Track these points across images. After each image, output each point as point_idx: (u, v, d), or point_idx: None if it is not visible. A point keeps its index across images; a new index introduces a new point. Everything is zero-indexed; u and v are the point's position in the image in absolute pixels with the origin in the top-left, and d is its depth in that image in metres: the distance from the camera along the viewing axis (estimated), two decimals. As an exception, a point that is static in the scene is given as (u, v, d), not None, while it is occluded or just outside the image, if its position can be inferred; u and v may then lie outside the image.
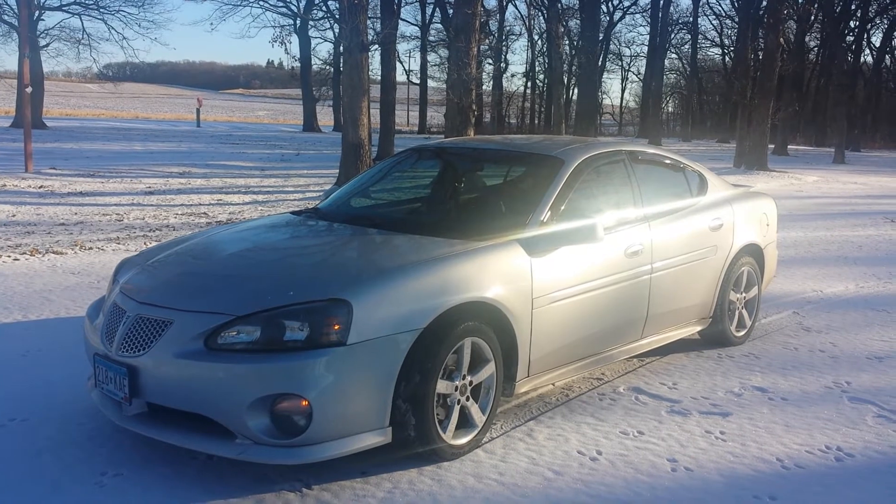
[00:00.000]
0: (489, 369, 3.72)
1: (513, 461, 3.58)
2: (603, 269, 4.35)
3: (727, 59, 54.42)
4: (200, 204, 12.56)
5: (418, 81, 45.81)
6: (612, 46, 55.96)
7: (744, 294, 5.65)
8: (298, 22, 38.34)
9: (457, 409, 3.59)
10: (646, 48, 47.88)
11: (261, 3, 36.31)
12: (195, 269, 3.84)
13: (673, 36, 50.33)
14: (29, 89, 16.43)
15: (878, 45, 51.12)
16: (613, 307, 4.46)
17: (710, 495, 3.33)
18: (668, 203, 5.05)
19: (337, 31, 32.00)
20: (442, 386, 3.48)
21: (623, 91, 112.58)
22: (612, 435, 3.92)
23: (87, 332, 3.81)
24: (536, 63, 52.85)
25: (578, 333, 4.24)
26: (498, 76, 49.57)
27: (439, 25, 39.09)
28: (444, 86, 20.38)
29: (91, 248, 8.44)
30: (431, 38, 40.64)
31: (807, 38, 44.72)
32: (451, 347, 3.49)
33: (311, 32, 39.54)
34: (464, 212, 4.89)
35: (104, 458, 3.48)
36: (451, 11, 20.69)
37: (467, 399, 3.64)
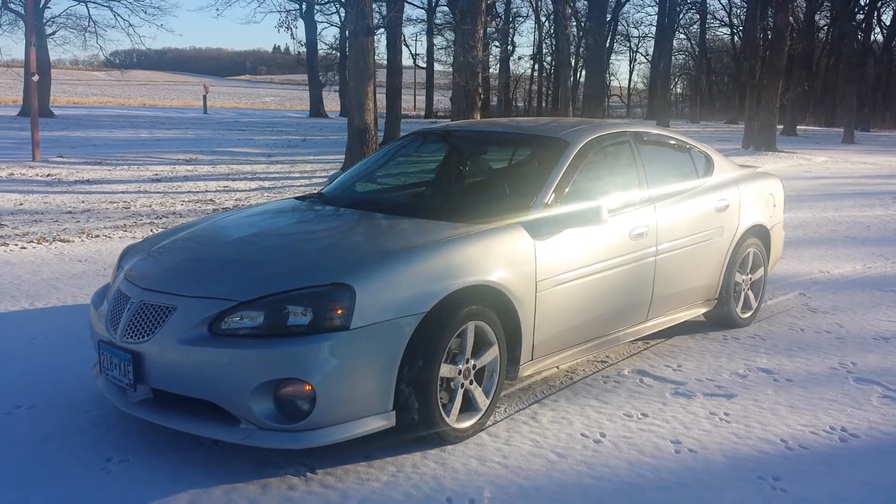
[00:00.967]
0: (493, 353, 3.73)
1: (516, 444, 3.59)
2: (607, 252, 4.34)
3: (736, 38, 53.96)
4: (207, 191, 12.57)
5: (425, 65, 45.64)
6: (619, 27, 55.74)
7: (750, 275, 5.63)
8: (304, 6, 38.19)
9: (460, 392, 3.59)
10: (654, 29, 47.64)
11: (266, -13, 36.10)
12: (199, 255, 3.85)
13: (681, 16, 49.93)
14: (35, 77, 16.45)
15: (888, 23, 50.64)
16: (618, 290, 4.45)
17: (714, 476, 3.33)
18: (673, 184, 5.03)
19: (343, 15, 31.88)
20: (445, 370, 3.48)
21: (631, 72, 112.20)
22: (615, 417, 3.92)
23: (91, 318, 3.83)
24: (544, 45, 52.61)
25: (582, 316, 4.24)
26: (505, 59, 49.31)
27: (445, 8, 38.88)
28: (451, 69, 20.29)
29: (98, 236, 8.47)
30: (438, 21, 40.44)
31: (816, 17, 44.42)
32: (455, 331, 3.49)
33: (317, 17, 39.38)
34: (468, 195, 4.87)
35: (110, 444, 3.50)
36: (456, -6, 20.56)
37: (471, 382, 3.64)
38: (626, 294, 4.53)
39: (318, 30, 39.66)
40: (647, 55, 59.01)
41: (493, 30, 39.98)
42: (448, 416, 3.51)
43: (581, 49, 44.48)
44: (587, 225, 4.09)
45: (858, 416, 4.01)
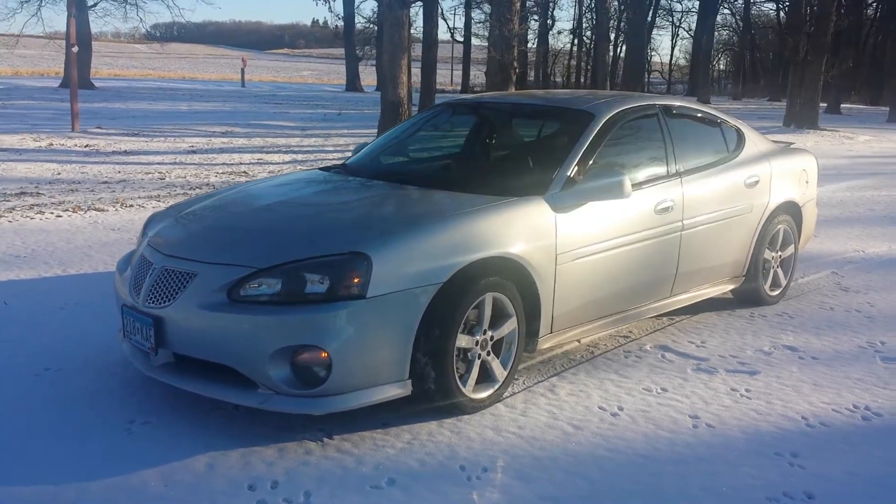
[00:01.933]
0: (511, 325, 3.72)
1: (533, 415, 3.60)
2: (631, 226, 4.30)
3: (782, 14, 52.81)
4: (241, 163, 12.68)
5: (462, 39, 45.34)
6: (662, 2, 54.77)
7: (779, 253, 5.54)
8: (342, -21, 38.14)
9: (477, 363, 3.60)
10: (697, 3, 46.76)
11: (304, -40, 36.03)
12: (220, 223, 3.89)
13: (725, -10, 48.94)
14: (75, 49, 16.67)
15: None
16: (641, 264, 4.41)
17: (731, 451, 3.32)
18: (701, 158, 4.96)
19: (380, -12, 31.74)
20: (463, 340, 3.49)
21: (673, 48, 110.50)
22: (634, 391, 3.91)
23: (116, 284, 3.89)
24: (584, 19, 52.01)
25: (604, 290, 4.21)
26: (544, 33, 48.91)
27: (484, -19, 38.51)
28: (487, 43, 20.16)
29: (132, 206, 8.59)
30: (476, -5, 40.06)
31: (864, -8, 43.22)
32: (472, 302, 3.49)
33: (355, -10, 39.28)
34: (492, 167, 4.86)
35: (134, 406, 3.58)
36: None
37: (488, 354, 3.65)
38: (650, 269, 4.49)
39: (356, 3, 39.55)
40: (690, 30, 57.97)
41: (532, 2, 39.57)
42: (464, 387, 3.53)
43: (622, 23, 43.89)
44: (609, 198, 4.05)
45: (883, 395, 3.96)
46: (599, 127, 4.39)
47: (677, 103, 5.15)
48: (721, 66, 72.21)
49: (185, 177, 11.00)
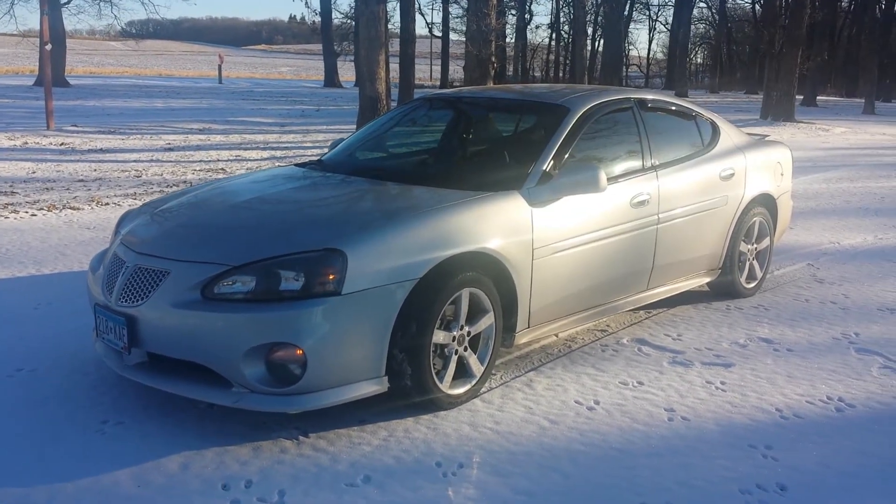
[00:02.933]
0: (488, 320, 3.72)
1: (510, 410, 3.60)
2: (607, 219, 4.31)
3: (757, 7, 53.11)
4: (219, 160, 12.58)
5: (440, 34, 45.27)
6: (638, -4, 54.92)
7: (755, 245, 5.58)
8: (319, -25, 37.97)
9: (454, 359, 3.60)
10: (673, -3, 46.91)
11: (281, -44, 35.83)
12: (194, 220, 3.85)
13: (701, -16, 49.16)
14: (49, 47, 16.46)
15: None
16: (618, 258, 4.42)
17: (705, 444, 3.33)
18: (677, 152, 4.98)
19: (357, -17, 31.60)
20: (439, 336, 3.49)
21: (650, 42, 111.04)
22: (611, 385, 3.92)
23: (89, 283, 3.85)
24: (561, 14, 52.08)
25: (581, 284, 4.22)
26: (522, 28, 48.88)
27: (461, -24, 38.46)
28: (465, 38, 20.13)
29: (108, 204, 8.51)
30: (454, -10, 40.02)
31: (839, -15, 43.59)
32: (448, 298, 3.48)
33: (332, -15, 39.11)
34: (467, 162, 4.85)
35: (107, 406, 3.54)
36: (470, -38, 20.33)
37: (465, 349, 3.64)
38: (627, 262, 4.50)
39: (333, -2, 39.39)
40: (667, 24, 58.14)
41: (510, -2, 39.54)
42: (441, 383, 3.52)
43: (599, 18, 43.99)
44: (585, 192, 4.05)
45: (857, 387, 3.99)
46: (574, 121, 4.39)
47: (652, 97, 5.16)
48: (698, 60, 72.58)
49: (161, 174, 10.91)
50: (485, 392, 3.78)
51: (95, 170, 11.13)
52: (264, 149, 14.22)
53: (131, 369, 3.46)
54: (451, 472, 3.05)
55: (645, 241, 4.58)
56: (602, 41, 41.90)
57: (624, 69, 46.09)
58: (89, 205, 8.41)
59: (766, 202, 5.63)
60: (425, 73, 55.78)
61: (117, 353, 3.53)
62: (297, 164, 4.96)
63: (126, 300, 3.40)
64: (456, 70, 44.17)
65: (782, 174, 5.86)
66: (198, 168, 11.60)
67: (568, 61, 51.35)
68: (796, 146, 15.18)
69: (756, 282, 5.61)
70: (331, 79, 41.08)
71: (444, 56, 45.92)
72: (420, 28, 34.35)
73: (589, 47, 44.35)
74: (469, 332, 3.65)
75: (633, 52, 66.19)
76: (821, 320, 5.03)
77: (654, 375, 4.06)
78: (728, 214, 5.23)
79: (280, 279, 3.23)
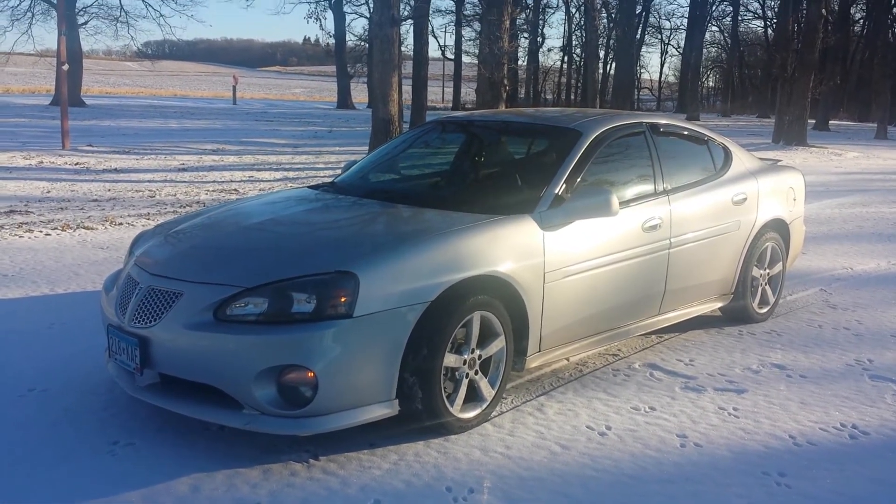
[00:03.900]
0: (499, 343, 3.72)
1: (521, 435, 3.58)
2: (618, 244, 4.30)
3: (769, 31, 53.19)
4: (232, 181, 12.66)
5: (453, 57, 45.55)
6: (651, 19, 55.21)
7: (767, 270, 5.56)
8: (333, -3, 38.28)
9: (465, 382, 3.59)
10: (685, 21, 47.11)
11: (295, -22, 36.19)
12: (207, 242, 3.88)
13: (714, 7, 49.28)
14: (66, 67, 16.65)
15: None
16: (629, 282, 4.41)
17: (717, 471, 3.31)
18: (689, 176, 4.98)
19: (371, 5, 31.86)
20: (450, 359, 3.48)
21: (662, 65, 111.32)
22: (623, 410, 3.90)
23: (102, 303, 3.87)
24: (573, 37, 52.33)
25: (592, 309, 4.21)
26: (534, 50, 49.16)
27: None
28: (477, 61, 20.25)
29: (121, 224, 8.57)
30: (467, 12, 40.30)
31: (852, 10, 43.64)
32: (460, 321, 3.48)
33: (346, 8, 39.36)
34: (480, 185, 4.86)
35: (118, 427, 3.55)
36: (483, -15, 20.51)
37: (476, 373, 3.64)
38: (638, 287, 4.49)
39: (347, 21, 39.77)
40: (679, 47, 58.33)
41: (522, 21, 39.80)
42: (452, 406, 3.51)
43: (611, 41, 44.19)
44: (597, 216, 4.05)
45: (871, 414, 3.96)
46: (587, 145, 4.41)
47: (664, 121, 5.17)
48: (710, 83, 72.74)
49: (175, 194, 10.98)
50: (495, 416, 3.76)
51: (110, 190, 11.21)
52: (277, 170, 14.30)
53: (143, 390, 3.47)
54: (461, 497, 3.03)
55: (657, 266, 4.57)
56: (614, 64, 42.04)
57: (636, 92, 46.19)
58: (103, 224, 8.47)
59: (779, 227, 5.62)
60: (438, 94, 56.08)
61: (129, 374, 3.55)
62: (309, 187, 4.99)
63: (139, 321, 3.41)
64: (468, 92, 44.41)
65: (795, 199, 5.85)
66: (211, 188, 11.67)
67: (580, 84, 51.53)
68: (809, 171, 15.15)
69: (769, 307, 5.59)
70: (344, 100, 41.33)
71: (457, 78, 46.23)
72: (433, 50, 34.63)
73: (601, 70, 44.54)
74: (480, 356, 3.65)
75: (645, 76, 66.39)
76: (834, 346, 5.00)
77: (666, 401, 4.03)
78: (740, 239, 5.21)
79: (292, 301, 3.24)
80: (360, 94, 44.44)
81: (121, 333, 3.48)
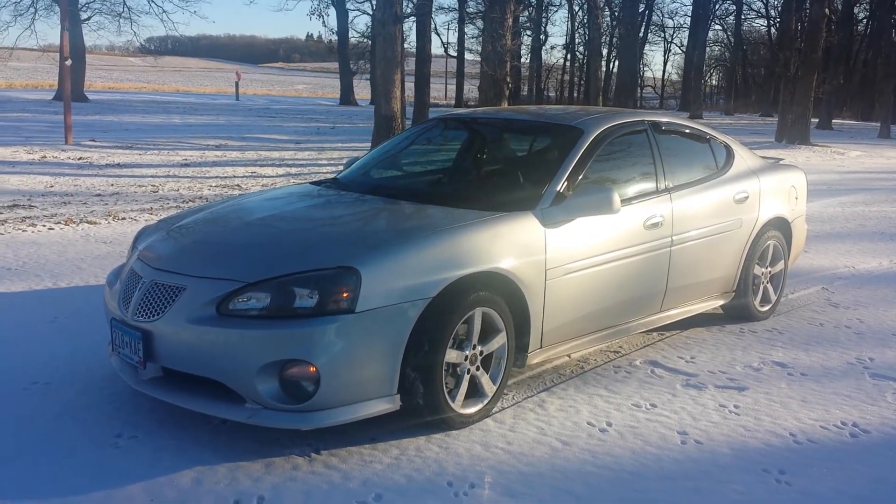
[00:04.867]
0: (500, 340, 3.73)
1: (522, 431, 3.60)
2: (620, 241, 4.31)
3: (773, 30, 53.08)
4: (234, 176, 12.68)
5: (455, 54, 45.51)
6: (654, 17, 55.18)
7: (769, 268, 5.56)
8: (336, -6, 38.26)
9: (466, 378, 3.60)
10: (689, 19, 47.05)
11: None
12: (210, 237, 3.89)
13: (717, 6, 49.15)
14: (69, 62, 16.67)
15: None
16: (631, 279, 4.42)
17: (718, 468, 3.32)
18: (690, 174, 4.98)
19: (374, 3, 31.85)
20: (452, 355, 3.49)
21: (665, 63, 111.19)
22: (623, 407, 3.91)
23: (106, 297, 3.89)
24: (577, 35, 52.29)
25: (594, 305, 4.22)
26: (537, 48, 49.10)
27: (478, -4, 38.64)
28: (480, 58, 20.25)
29: (124, 219, 8.59)
30: (469, 10, 40.26)
31: (855, 10, 43.57)
32: (462, 317, 3.50)
33: (349, 5, 39.39)
34: (482, 182, 4.88)
35: (121, 420, 3.57)
36: (487, -17, 20.46)
37: (477, 369, 3.65)
38: (640, 284, 4.50)
39: (350, 17, 39.73)
40: (682, 46, 58.25)
41: (525, 19, 39.76)
42: (453, 402, 3.52)
43: (614, 39, 44.16)
44: (599, 213, 4.06)
45: (871, 412, 3.97)
46: (589, 143, 4.41)
47: (666, 119, 5.18)
48: (713, 82, 72.57)
49: (178, 190, 11.00)
50: (497, 412, 3.78)
51: (112, 184, 11.23)
52: (280, 165, 14.32)
53: (146, 384, 3.49)
54: (462, 492, 3.04)
55: (658, 264, 4.58)
56: (617, 62, 42.02)
57: (638, 90, 46.15)
58: (106, 219, 8.49)
59: (781, 226, 5.62)
60: (440, 91, 56.03)
61: (133, 368, 3.56)
62: (312, 182, 5.00)
63: (142, 315, 3.43)
64: (471, 89, 44.45)
65: (797, 198, 5.85)
66: (213, 184, 11.69)
67: (582, 82, 51.46)
68: (811, 169, 15.16)
69: (770, 305, 5.59)
70: (346, 97, 41.34)
71: (459, 76, 46.20)
72: (436, 48, 34.61)
73: (604, 68, 44.47)
74: (482, 352, 3.66)
75: (648, 74, 66.26)
76: (835, 345, 5.01)
77: (666, 398, 4.05)
78: (742, 237, 5.22)
79: (294, 296, 3.25)
80: (362, 90, 44.40)
81: (124, 327, 3.49)
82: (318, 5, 35.71)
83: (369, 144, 15.88)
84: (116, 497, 2.94)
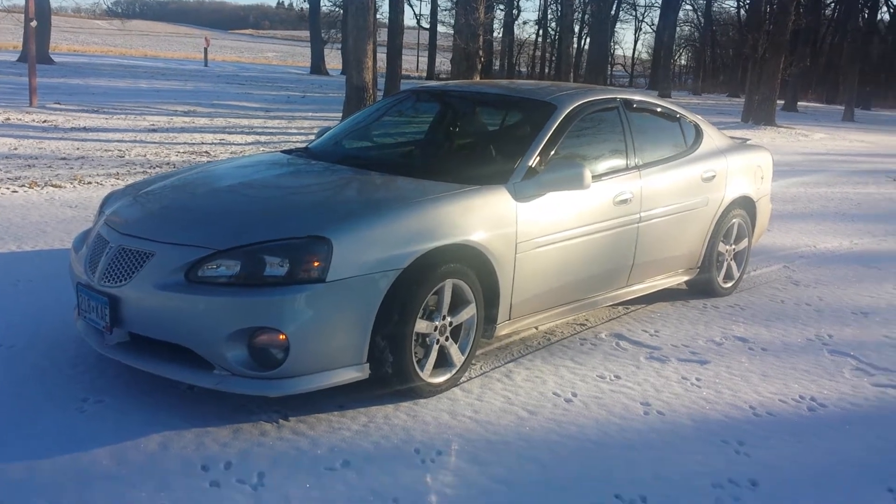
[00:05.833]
0: (470, 311, 3.76)
1: (489, 400, 3.64)
2: (590, 217, 4.35)
3: (742, 11, 53.38)
4: (203, 143, 12.52)
5: (428, 26, 45.21)
6: (626, -5, 55.09)
7: (733, 246, 5.65)
8: (308, -39, 37.73)
9: (435, 348, 3.63)
10: (660, -2, 47.08)
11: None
12: (179, 202, 3.86)
13: (689, -14, 49.33)
14: (34, 23, 16.27)
15: (895, 2, 50.14)
16: (599, 254, 4.47)
17: (679, 438, 3.40)
18: (660, 152, 5.04)
19: (346, -29, 31.44)
20: (421, 325, 3.52)
21: (636, 42, 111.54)
22: (588, 378, 3.98)
23: (72, 262, 3.85)
24: (549, 11, 52.16)
25: (562, 279, 4.27)
26: (509, 23, 48.95)
27: (451, -31, 38.36)
28: (453, 31, 20.13)
29: (90, 183, 8.46)
30: (443, -18, 39.93)
31: (824, -7, 43.89)
32: (432, 289, 3.52)
33: (321, -27, 38.95)
34: (454, 155, 4.88)
35: (86, 385, 3.55)
36: (461, -46, 20.30)
37: (447, 339, 3.68)
38: (608, 259, 4.56)
39: (322, -15, 39.21)
40: (653, 25, 58.44)
41: (499, -8, 39.51)
42: (422, 371, 3.55)
43: (586, 16, 44.10)
44: (570, 189, 4.09)
45: (829, 387, 4.07)
46: (561, 118, 4.43)
47: (638, 97, 5.21)
48: (682, 62, 72.96)
49: (145, 155, 10.85)
50: (464, 381, 3.82)
51: (78, 148, 11.04)
52: (249, 133, 14.16)
53: (113, 349, 3.47)
54: (429, 459, 3.09)
55: (626, 239, 4.64)
56: (588, 39, 42.02)
57: (609, 68, 46.16)
58: (71, 183, 8.36)
59: (746, 205, 5.71)
60: (412, 63, 55.62)
61: (99, 333, 3.54)
62: (283, 151, 4.97)
63: (109, 280, 3.40)
64: (443, 62, 44.19)
65: (762, 178, 5.94)
66: (182, 150, 11.54)
67: (554, 58, 51.42)
68: (776, 150, 15.33)
69: (733, 282, 5.69)
70: (317, 66, 40.93)
71: (432, 48, 45.90)
72: (408, 19, 34.32)
73: (575, 45, 44.42)
74: (451, 323, 3.69)
75: (619, 52, 66.57)
76: (795, 321, 5.12)
77: (631, 370, 4.12)
78: (708, 215, 5.29)
79: (265, 265, 3.24)
80: (333, 60, 43.96)
81: (90, 292, 3.46)
82: (290, -28, 35.16)
83: (340, 114, 15.76)
84: (82, 461, 2.93)
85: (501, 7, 44.19)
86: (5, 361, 3.76)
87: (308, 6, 40.11)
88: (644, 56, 71.30)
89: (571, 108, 4.54)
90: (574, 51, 38.70)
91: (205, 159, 10.75)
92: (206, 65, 39.98)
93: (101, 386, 3.53)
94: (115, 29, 65.88)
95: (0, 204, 7.13)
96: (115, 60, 37.93)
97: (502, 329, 4.03)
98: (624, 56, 73.80)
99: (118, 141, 12.10)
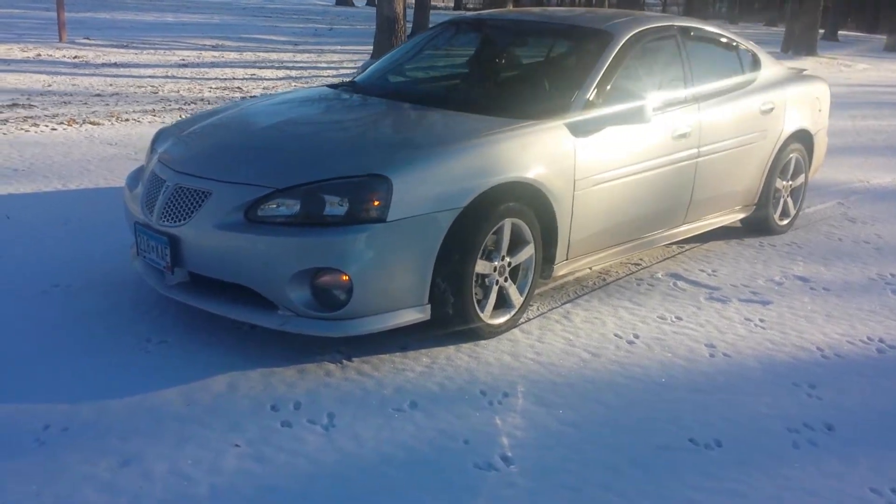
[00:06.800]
0: (528, 251, 3.68)
1: (549, 342, 3.59)
2: (648, 152, 4.23)
3: (781, -65, 51.42)
4: (234, 78, 12.38)
5: (456, -46, 44.09)
6: (660, -80, 53.26)
7: (790, 182, 5.50)
8: None
9: (495, 289, 3.57)
10: (696, -78, 45.41)
11: None
12: (231, 140, 3.77)
13: None
14: (59, -45, 16.04)
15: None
16: (657, 191, 4.36)
17: (748, 381, 3.33)
18: (718, 83, 4.86)
19: None
20: (481, 266, 3.45)
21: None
22: (649, 319, 3.91)
23: (127, 200, 3.81)
24: (580, -64, 50.57)
25: (620, 217, 4.17)
26: (539, -50, 47.53)
27: None
28: (484, -41, 19.61)
29: (127, 120, 8.40)
30: None
31: (869, -86, 42.12)
32: (491, 228, 3.44)
33: None
34: (506, 89, 4.73)
35: (148, 324, 3.54)
36: None
37: (505, 280, 3.61)
38: (666, 196, 4.44)
39: (348, -87, 38.22)
40: (687, -50, 56.44)
41: (529, -82, 38.38)
42: (482, 312, 3.50)
43: (619, -59, 42.74)
44: (630, 123, 3.96)
45: None
46: (619, 48, 4.27)
47: (695, 24, 5.01)
48: (718, -12, 70.71)
49: (178, 91, 10.75)
50: (523, 323, 3.77)
51: (111, 84, 10.96)
52: (279, 68, 13.98)
53: (174, 289, 3.45)
54: (496, 401, 3.05)
55: (684, 175, 4.51)
56: (621, -34, 40.82)
57: (642, -4, 44.95)
58: (109, 120, 8.30)
59: (804, 138, 5.53)
60: (439, -6, 54.42)
61: (159, 273, 3.51)
62: (328, 85, 4.85)
63: (168, 219, 3.35)
64: (471, -8, 43.20)
65: (820, 110, 5.74)
66: (214, 86, 11.42)
67: (585, -14, 50.06)
68: (820, 81, 14.87)
69: (789, 219, 5.55)
70: (343, -3, 40.16)
71: (459, -22, 44.82)
72: (436, -53, 33.35)
73: (607, -28, 43.17)
74: (510, 263, 3.62)
75: (652, -22, 64.40)
76: (855, 259, 4.99)
77: (691, 311, 4.04)
78: (766, 150, 5.13)
79: (324, 204, 3.18)
80: (359, -9, 43.04)
81: (149, 231, 3.42)
82: None
83: (370, 47, 15.48)
84: (152, 400, 2.93)
85: (531, -66, 42.91)
86: (63, 301, 3.76)
87: (333, -65, 39.18)
88: (677, -17, 69.18)
89: (628, 36, 4.37)
90: (606, -21, 37.63)
91: (238, 95, 10.64)
92: (231, -3, 39.35)
93: (164, 326, 3.53)
94: (137, -39, 64.90)
95: (41, 142, 7.10)
96: (140, -7, 37.46)
97: (560, 269, 3.95)
98: (656, -17, 71.65)
99: (150, 77, 11.99)
